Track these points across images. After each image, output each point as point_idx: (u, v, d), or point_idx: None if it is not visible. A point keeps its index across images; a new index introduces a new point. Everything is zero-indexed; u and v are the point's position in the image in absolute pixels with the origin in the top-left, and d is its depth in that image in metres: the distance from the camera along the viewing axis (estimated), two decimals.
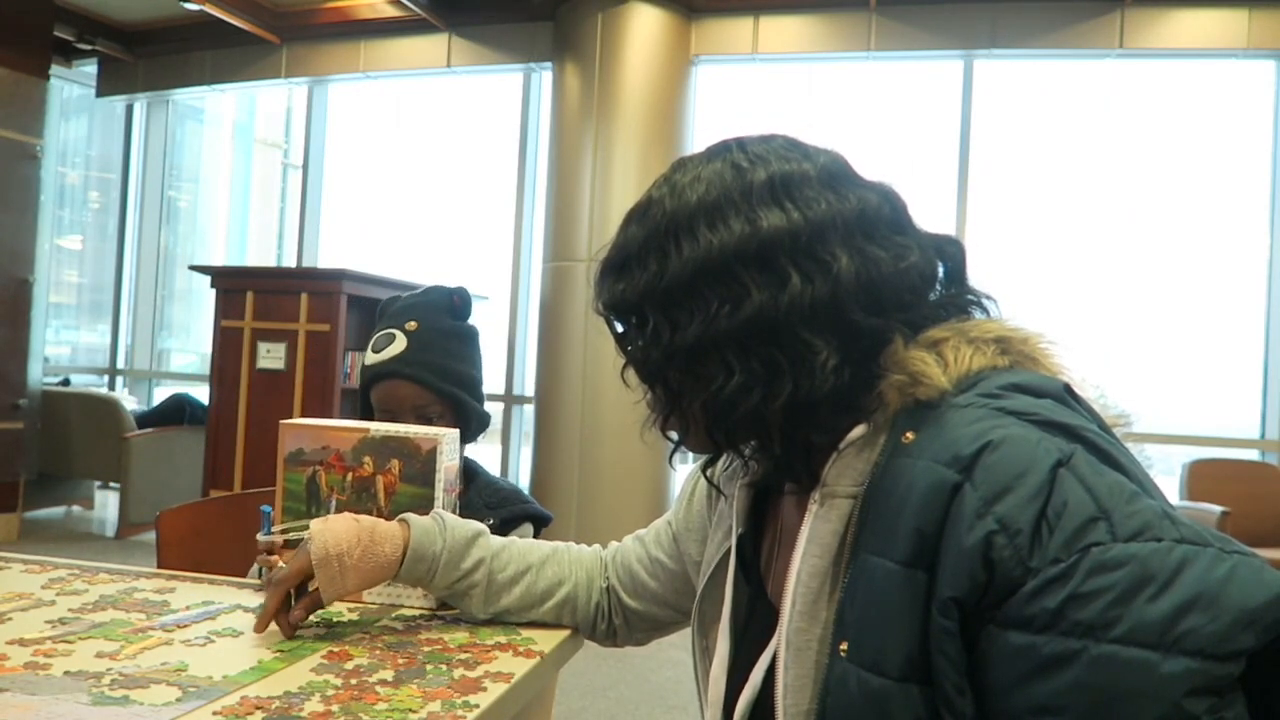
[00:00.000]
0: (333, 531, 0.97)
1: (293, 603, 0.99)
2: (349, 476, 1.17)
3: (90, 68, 6.23)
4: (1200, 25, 4.32)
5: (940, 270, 0.76)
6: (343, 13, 5.35)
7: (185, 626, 1.02)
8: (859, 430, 0.72)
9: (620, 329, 0.82)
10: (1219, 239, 4.75)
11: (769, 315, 0.70)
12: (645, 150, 4.53)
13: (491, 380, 5.36)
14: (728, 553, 0.88)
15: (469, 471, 1.46)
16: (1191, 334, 4.83)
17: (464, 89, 5.86)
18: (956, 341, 0.71)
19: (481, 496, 1.45)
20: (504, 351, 5.33)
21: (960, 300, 0.76)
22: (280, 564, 1.05)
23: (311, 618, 1.08)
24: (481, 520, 1.40)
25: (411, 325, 1.47)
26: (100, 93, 6.20)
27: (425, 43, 5.27)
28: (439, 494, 1.15)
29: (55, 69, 5.44)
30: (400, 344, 1.45)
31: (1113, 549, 0.56)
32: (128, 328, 6.47)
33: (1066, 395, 0.68)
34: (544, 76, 5.21)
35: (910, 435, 0.67)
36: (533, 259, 5.18)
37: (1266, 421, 4.52)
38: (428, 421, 1.41)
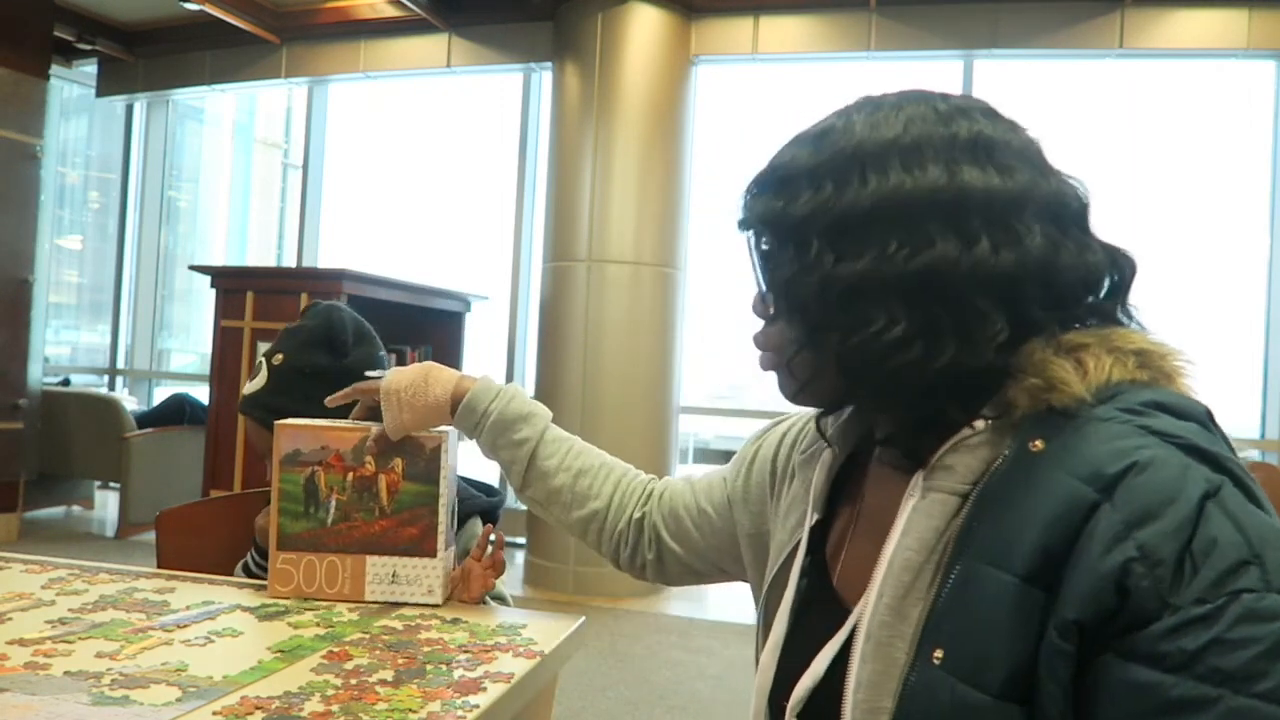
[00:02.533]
0: (398, 372, 1.14)
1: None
2: (349, 476, 1.17)
3: (90, 68, 6.22)
4: (1200, 25, 4.32)
5: (1108, 280, 0.72)
6: (343, 13, 5.34)
7: (185, 626, 1.02)
8: (975, 427, 0.68)
9: (766, 246, 0.75)
10: (1219, 239, 4.75)
11: (947, 272, 0.66)
12: (645, 150, 4.53)
13: None
14: (800, 540, 0.84)
15: None
16: (1191, 334, 4.82)
17: (464, 89, 5.86)
18: (1098, 349, 0.66)
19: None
20: (504, 351, 5.33)
21: (1111, 310, 0.71)
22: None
23: (310, 617, 1.08)
24: None
25: (277, 358, 1.36)
26: (100, 93, 6.20)
27: (425, 43, 5.26)
28: (443, 490, 1.17)
29: (55, 69, 5.43)
30: (261, 379, 1.36)
31: (1266, 599, 0.53)
32: (128, 328, 6.47)
33: (1209, 421, 0.64)
34: (544, 76, 5.21)
35: (1040, 443, 0.63)
36: (533, 259, 5.17)
37: (1266, 421, 4.52)
38: None
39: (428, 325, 4.87)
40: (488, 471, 1.44)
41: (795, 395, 0.78)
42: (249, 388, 1.38)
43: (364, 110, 6.22)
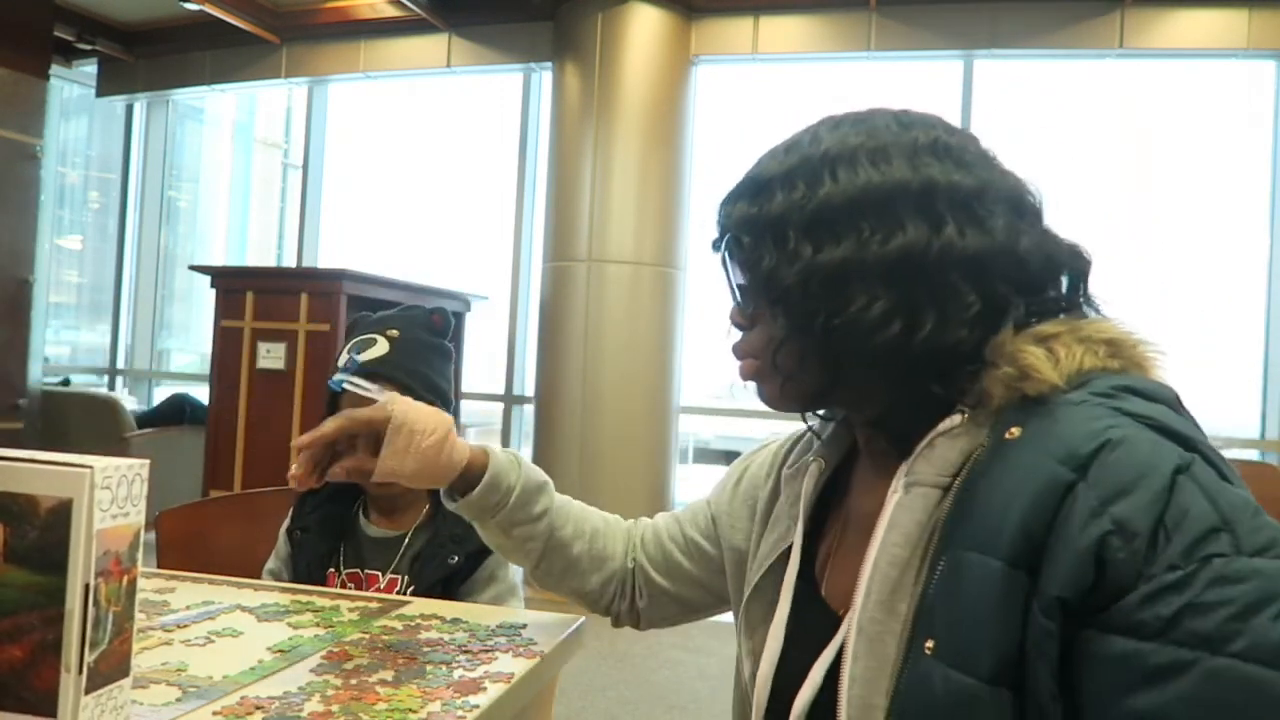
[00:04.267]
0: (419, 409, 0.94)
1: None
2: None
3: (90, 68, 6.22)
4: (1200, 25, 4.32)
5: (1068, 272, 0.75)
6: (343, 13, 5.34)
7: (185, 626, 1.02)
8: (953, 419, 0.70)
9: (744, 248, 0.77)
10: (1219, 239, 4.75)
11: (920, 254, 0.70)
12: (645, 150, 4.53)
13: (491, 380, 5.37)
14: (785, 552, 0.85)
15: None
16: (1191, 334, 4.82)
17: (464, 89, 5.86)
18: (1068, 339, 0.69)
19: (449, 526, 1.36)
20: (504, 351, 5.33)
21: (1076, 302, 0.75)
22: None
23: (310, 617, 1.08)
24: (445, 559, 1.37)
25: (393, 332, 1.42)
26: (100, 93, 6.20)
27: (425, 43, 5.26)
28: (76, 583, 0.66)
29: (55, 69, 5.43)
30: (383, 347, 1.40)
31: (1236, 562, 0.55)
32: (128, 328, 6.47)
33: (1179, 404, 0.66)
34: (544, 76, 5.21)
35: (1016, 431, 0.64)
36: (533, 259, 5.17)
37: (1266, 421, 4.52)
38: None
39: None
40: None
41: (780, 392, 0.79)
42: (369, 354, 1.38)
43: (364, 110, 6.21)
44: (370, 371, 1.34)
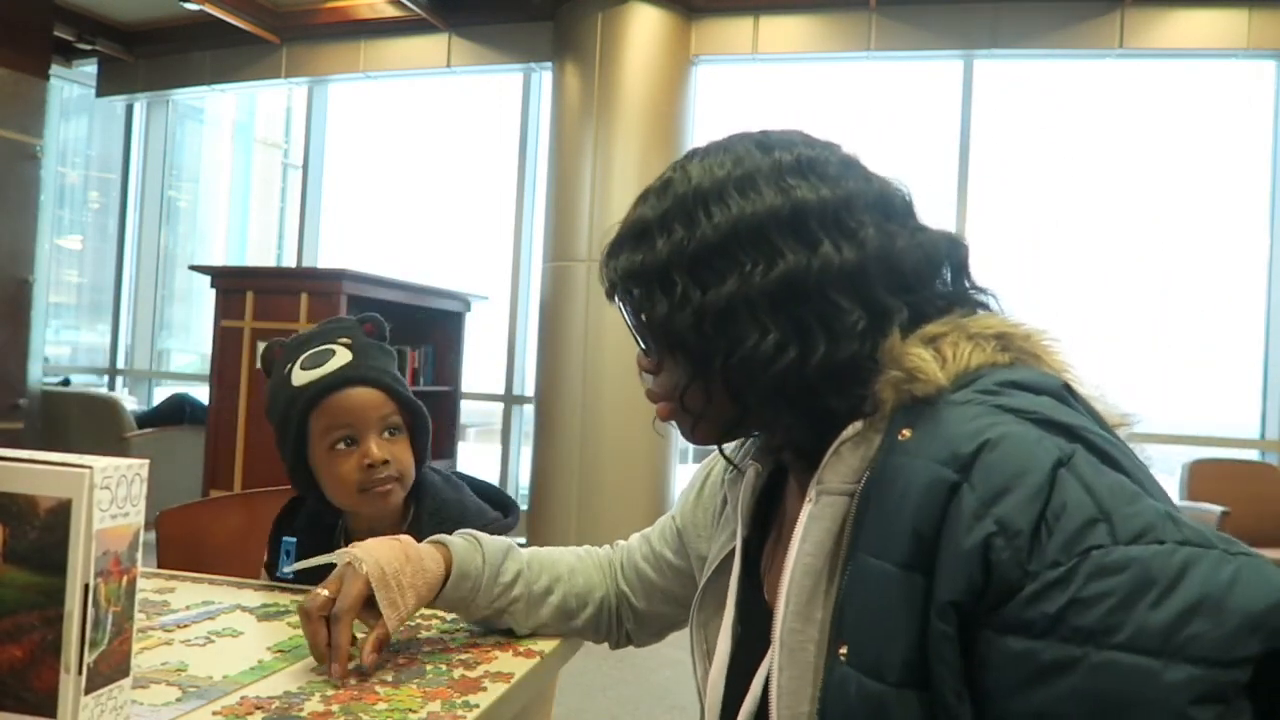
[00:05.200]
0: (378, 553, 0.92)
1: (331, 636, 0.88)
2: None
3: (90, 68, 6.22)
4: (1200, 25, 4.32)
5: (948, 263, 0.76)
6: (343, 13, 5.34)
7: (185, 626, 1.02)
8: (855, 427, 0.71)
9: (635, 299, 0.79)
10: (1219, 239, 4.75)
11: (801, 277, 0.71)
12: (645, 150, 4.53)
13: (491, 380, 5.37)
14: (730, 554, 0.87)
15: (417, 487, 1.30)
16: (1191, 334, 4.82)
17: (464, 89, 5.86)
18: (955, 337, 0.70)
19: (427, 525, 1.25)
20: (504, 351, 5.33)
21: (963, 294, 0.76)
22: (321, 592, 0.91)
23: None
24: None
25: (346, 340, 1.28)
26: (100, 93, 6.20)
27: (425, 43, 5.26)
28: (76, 584, 0.66)
29: (55, 69, 5.43)
30: (344, 355, 1.25)
31: (1113, 552, 0.55)
32: (128, 328, 6.47)
33: (1065, 393, 0.67)
34: (544, 76, 5.21)
35: (907, 433, 0.65)
36: (533, 259, 5.17)
37: (1266, 421, 4.51)
38: (391, 434, 1.24)
39: (428, 325, 4.87)
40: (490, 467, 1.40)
41: (694, 431, 0.81)
42: (331, 365, 1.23)
43: (364, 110, 6.21)
44: (343, 379, 1.23)
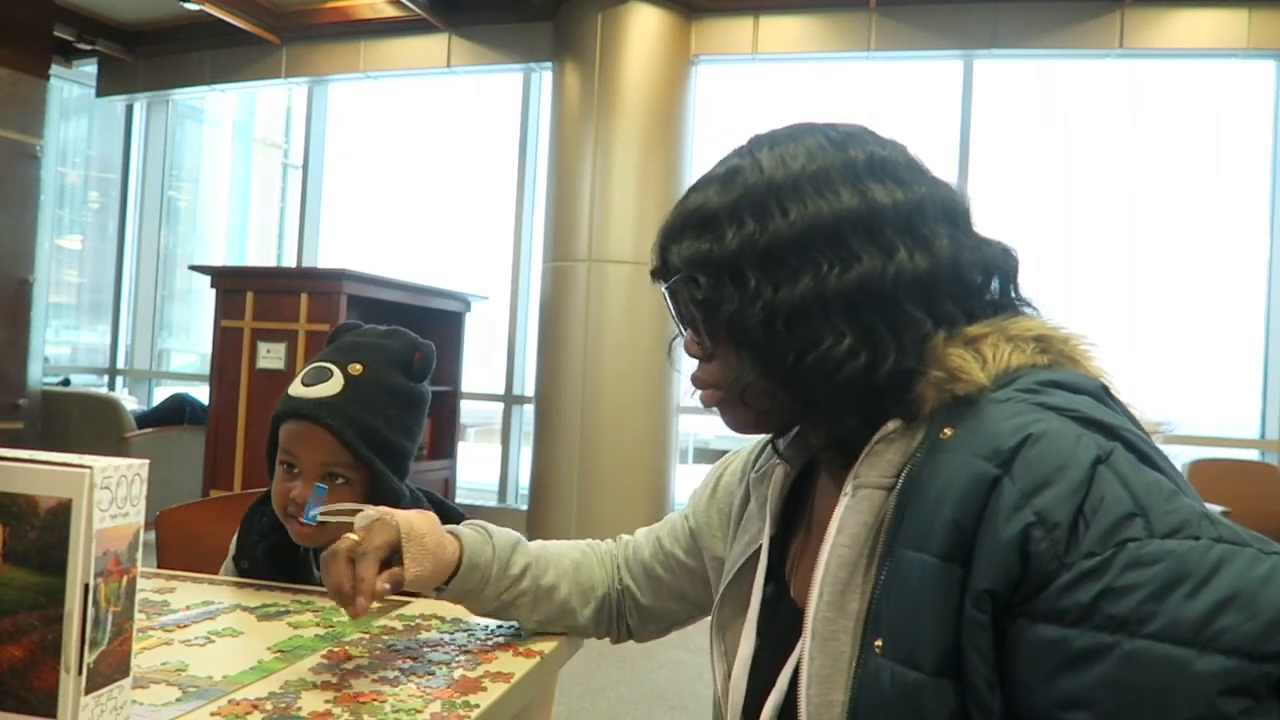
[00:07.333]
0: (410, 514, 0.94)
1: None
2: None
3: (90, 68, 6.22)
4: (1200, 25, 4.32)
5: (996, 275, 0.77)
6: (343, 13, 5.34)
7: (185, 626, 1.02)
8: (894, 424, 0.71)
9: (701, 287, 0.76)
10: (1219, 239, 4.74)
11: (876, 282, 0.71)
12: (645, 150, 4.53)
13: (491, 380, 5.37)
14: (755, 553, 0.86)
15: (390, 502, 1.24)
16: (1191, 334, 4.82)
17: (464, 89, 5.86)
18: (996, 339, 0.71)
19: None
20: (504, 351, 5.33)
21: (1007, 301, 0.77)
22: (350, 536, 0.92)
23: (310, 617, 1.08)
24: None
25: (356, 368, 1.24)
26: (100, 93, 6.20)
27: (425, 43, 5.26)
28: (76, 584, 0.66)
29: (55, 69, 5.43)
30: (335, 385, 1.22)
31: (1149, 545, 0.56)
32: (128, 328, 6.47)
33: (1104, 394, 0.68)
34: (544, 76, 5.21)
35: (948, 431, 0.66)
36: (533, 259, 5.17)
37: (1266, 421, 4.51)
38: (331, 481, 1.21)
39: (428, 325, 4.87)
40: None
41: (751, 426, 0.81)
42: (316, 391, 1.21)
43: (364, 110, 6.21)
44: (310, 414, 1.21)
